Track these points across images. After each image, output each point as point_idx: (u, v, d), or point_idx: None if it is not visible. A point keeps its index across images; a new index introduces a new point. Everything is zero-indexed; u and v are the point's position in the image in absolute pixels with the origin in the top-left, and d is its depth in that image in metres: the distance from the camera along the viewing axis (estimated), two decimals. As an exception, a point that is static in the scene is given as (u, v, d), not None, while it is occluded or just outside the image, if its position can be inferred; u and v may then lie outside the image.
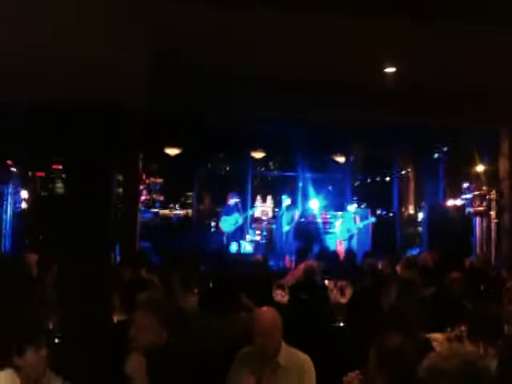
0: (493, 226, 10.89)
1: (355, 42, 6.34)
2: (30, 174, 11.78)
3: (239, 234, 12.21)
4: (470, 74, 7.43)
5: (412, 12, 5.38)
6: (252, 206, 13.69)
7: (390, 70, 7.38)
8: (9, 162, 10.28)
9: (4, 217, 9.97)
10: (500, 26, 5.62)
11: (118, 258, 8.33)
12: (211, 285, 5.20)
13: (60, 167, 11.42)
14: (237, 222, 12.02)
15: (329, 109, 8.98)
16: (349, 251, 9.53)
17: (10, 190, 10.13)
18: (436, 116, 9.08)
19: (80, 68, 4.23)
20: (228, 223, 12.00)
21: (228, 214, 12.06)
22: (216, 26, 5.87)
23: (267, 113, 9.27)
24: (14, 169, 10.39)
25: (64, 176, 11.12)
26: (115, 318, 4.98)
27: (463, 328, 4.35)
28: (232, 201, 12.19)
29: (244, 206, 12.63)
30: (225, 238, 12.14)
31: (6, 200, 10.03)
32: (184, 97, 8.42)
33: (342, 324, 5.24)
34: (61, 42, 3.80)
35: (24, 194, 10.62)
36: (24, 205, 10.61)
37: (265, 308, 3.74)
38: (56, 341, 4.25)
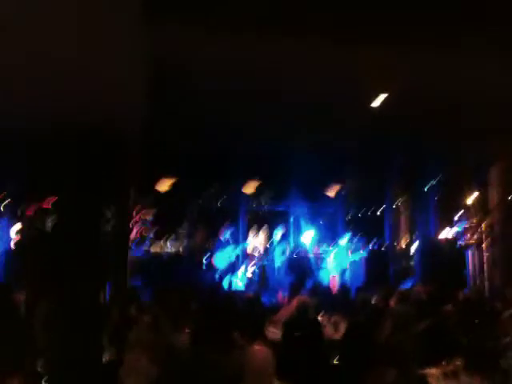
0: (485, 258, 10.88)
1: (341, 74, 6.41)
2: (19, 211, 11.70)
3: (231, 269, 12.10)
4: (457, 104, 7.48)
5: (400, 38, 5.44)
6: (244, 242, 13.63)
7: (379, 98, 7.41)
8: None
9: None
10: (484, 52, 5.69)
11: (108, 296, 8.22)
12: (203, 322, 5.12)
13: (49, 206, 11.36)
14: (230, 257, 11.93)
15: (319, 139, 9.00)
16: (342, 286, 9.46)
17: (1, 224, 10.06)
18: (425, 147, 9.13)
19: (70, 96, 4.21)
20: (221, 259, 11.90)
21: (220, 249, 11.96)
22: (215, 50, 5.88)
23: (260, 138, 9.25)
24: (5, 202, 10.33)
25: (53, 213, 11.05)
26: (105, 358, 4.88)
27: (459, 362, 4.29)
28: (225, 235, 12.11)
29: (236, 242, 12.55)
30: (217, 275, 12.03)
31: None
32: (184, 125, 8.42)
33: (336, 361, 5.16)
34: (60, 61, 3.77)
35: (16, 228, 10.55)
36: (14, 241, 10.51)
37: (257, 347, 3.71)
38: (43, 382, 4.14)
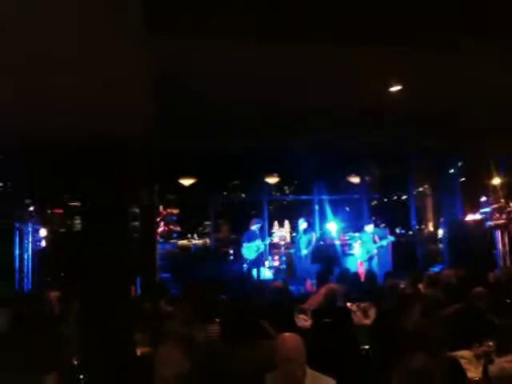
0: (514, 237, 10.75)
1: (362, 68, 6.38)
2: (48, 211, 11.92)
3: (259, 260, 12.13)
4: (480, 94, 7.40)
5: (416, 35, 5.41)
6: (270, 232, 13.66)
7: (399, 91, 7.36)
8: (27, 200, 10.42)
9: (25, 255, 10.06)
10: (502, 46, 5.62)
11: (139, 291, 8.36)
12: (233, 314, 5.18)
13: (77, 204, 11.55)
14: (259, 248, 11.95)
15: (341, 133, 8.99)
16: (369, 272, 9.43)
17: (29, 228, 10.25)
18: (449, 138, 9.04)
19: (90, 106, 4.30)
20: (250, 250, 11.94)
21: (250, 240, 11.98)
22: (220, 58, 5.94)
23: (278, 139, 9.30)
24: (32, 207, 10.52)
25: (81, 212, 11.24)
26: (138, 351, 4.98)
27: (491, 343, 4.27)
28: (255, 226, 12.11)
29: (262, 232, 12.57)
30: (245, 266, 12.10)
31: (27, 239, 10.14)
32: (194, 129, 8.52)
33: (366, 346, 5.17)
34: (69, 83, 3.87)
35: (43, 231, 10.72)
36: (44, 243, 10.71)
37: (287, 334, 3.72)
38: (81, 377, 4.24)
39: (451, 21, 5.16)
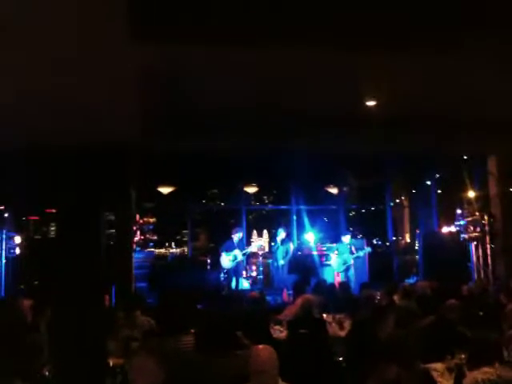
0: (488, 251, 10.89)
1: (342, 77, 6.44)
2: (23, 218, 11.76)
3: (236, 270, 12.11)
4: (454, 101, 7.53)
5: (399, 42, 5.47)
6: (248, 241, 13.66)
7: (374, 102, 7.46)
8: (1, 207, 10.26)
9: (-2, 263, 9.91)
10: (482, 52, 5.72)
11: (114, 300, 8.27)
12: (208, 324, 5.15)
13: (53, 210, 11.41)
14: (236, 258, 11.92)
15: (319, 141, 9.05)
16: (344, 283, 9.48)
17: (3, 235, 10.10)
18: (425, 145, 9.17)
19: (69, 112, 4.27)
20: (228, 260, 11.90)
21: (228, 250, 11.96)
22: (207, 64, 5.95)
23: (256, 145, 9.32)
24: (6, 214, 10.36)
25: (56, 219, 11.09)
26: (111, 361, 4.92)
27: (463, 356, 4.31)
28: (236, 236, 12.07)
29: (240, 242, 12.56)
30: (222, 275, 12.06)
31: (0, 246, 9.98)
32: (175, 136, 8.50)
33: (341, 358, 5.19)
34: (50, 89, 3.84)
35: (17, 239, 10.56)
36: (18, 250, 10.55)
37: (261, 346, 3.72)
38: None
39: (440, 28, 5.23)
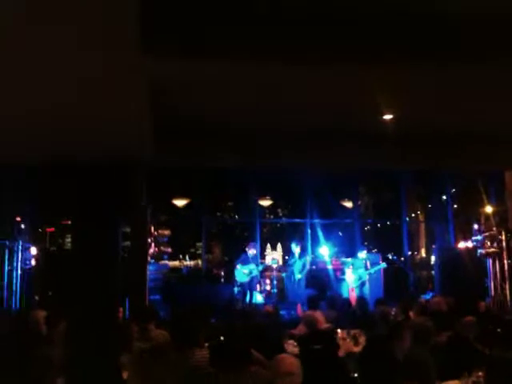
0: (506, 266, 10.74)
1: (356, 92, 6.43)
2: (39, 229, 11.85)
3: (251, 284, 12.05)
4: (470, 116, 7.49)
5: (414, 56, 5.47)
6: (262, 255, 13.61)
7: (390, 116, 7.43)
8: (18, 218, 10.35)
9: (14, 273, 9.97)
10: (499, 66, 5.69)
11: (128, 313, 8.26)
12: (222, 338, 5.13)
13: (69, 222, 11.48)
14: (251, 272, 11.87)
15: (334, 158, 9.03)
16: (360, 299, 9.38)
17: (19, 246, 10.17)
18: (440, 159, 9.10)
19: (82, 127, 4.31)
20: (243, 273, 11.86)
21: (243, 263, 11.91)
22: (215, 79, 5.99)
23: (272, 163, 9.33)
24: (23, 225, 10.45)
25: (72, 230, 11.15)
26: (125, 375, 4.91)
27: (480, 373, 4.24)
28: (251, 251, 12.04)
29: (256, 255, 12.50)
30: (236, 289, 12.02)
31: (16, 257, 10.05)
32: (188, 150, 8.54)
33: (355, 374, 5.12)
34: (62, 106, 3.88)
35: (33, 250, 10.63)
36: (33, 261, 10.61)
37: (284, 354, 3.78)
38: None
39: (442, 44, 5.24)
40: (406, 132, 7.92)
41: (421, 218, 15.86)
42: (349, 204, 14.71)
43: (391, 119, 7.41)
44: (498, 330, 6.27)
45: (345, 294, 11.45)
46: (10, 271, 9.88)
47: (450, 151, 8.68)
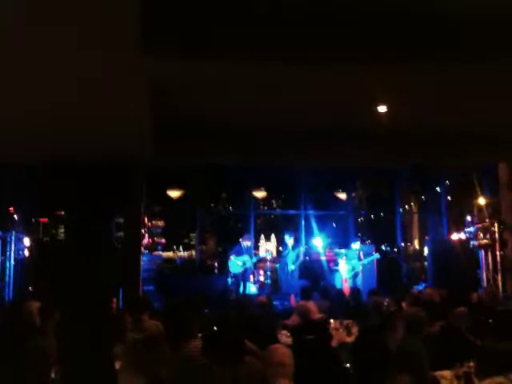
0: (498, 258, 10.80)
1: (356, 92, 6.44)
2: (33, 220, 11.78)
3: (244, 274, 12.08)
4: (471, 116, 7.50)
5: (412, 55, 5.46)
6: (256, 245, 13.62)
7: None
8: (11, 208, 10.29)
9: (7, 264, 9.93)
10: (499, 66, 5.70)
11: (121, 303, 8.26)
12: (215, 329, 5.13)
13: (62, 213, 11.43)
14: (245, 263, 11.90)
15: (333, 158, 9.04)
16: (353, 289, 9.42)
17: (12, 237, 10.12)
18: (434, 154, 9.12)
19: (82, 127, 4.30)
20: (236, 264, 11.89)
21: (237, 254, 11.94)
22: (215, 79, 5.96)
23: (272, 162, 9.34)
24: (16, 216, 10.39)
25: (66, 221, 11.11)
26: (117, 365, 4.91)
27: (472, 364, 4.27)
28: (245, 243, 12.08)
29: (249, 248, 12.52)
30: (229, 279, 12.04)
31: (9, 247, 10.00)
32: (188, 149, 8.53)
33: (348, 365, 5.15)
34: (62, 106, 3.86)
35: (26, 241, 10.58)
36: (27, 252, 10.57)
37: (277, 345, 3.80)
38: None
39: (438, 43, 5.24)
40: (406, 131, 7.94)
41: (414, 209, 15.89)
42: (343, 196, 14.72)
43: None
44: (490, 320, 6.31)
45: (338, 285, 11.50)
46: (3, 262, 9.84)
47: (449, 151, 8.70)
